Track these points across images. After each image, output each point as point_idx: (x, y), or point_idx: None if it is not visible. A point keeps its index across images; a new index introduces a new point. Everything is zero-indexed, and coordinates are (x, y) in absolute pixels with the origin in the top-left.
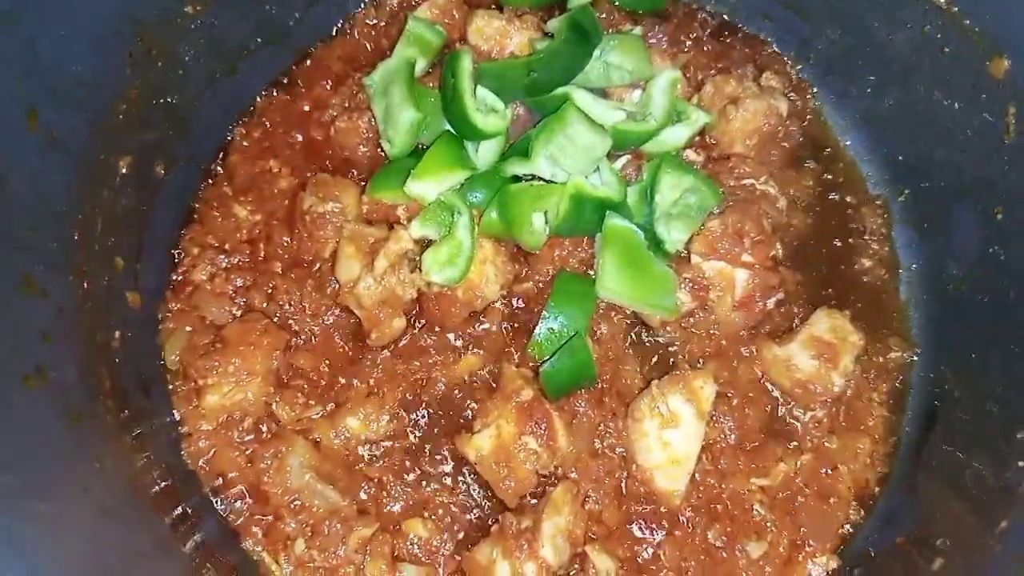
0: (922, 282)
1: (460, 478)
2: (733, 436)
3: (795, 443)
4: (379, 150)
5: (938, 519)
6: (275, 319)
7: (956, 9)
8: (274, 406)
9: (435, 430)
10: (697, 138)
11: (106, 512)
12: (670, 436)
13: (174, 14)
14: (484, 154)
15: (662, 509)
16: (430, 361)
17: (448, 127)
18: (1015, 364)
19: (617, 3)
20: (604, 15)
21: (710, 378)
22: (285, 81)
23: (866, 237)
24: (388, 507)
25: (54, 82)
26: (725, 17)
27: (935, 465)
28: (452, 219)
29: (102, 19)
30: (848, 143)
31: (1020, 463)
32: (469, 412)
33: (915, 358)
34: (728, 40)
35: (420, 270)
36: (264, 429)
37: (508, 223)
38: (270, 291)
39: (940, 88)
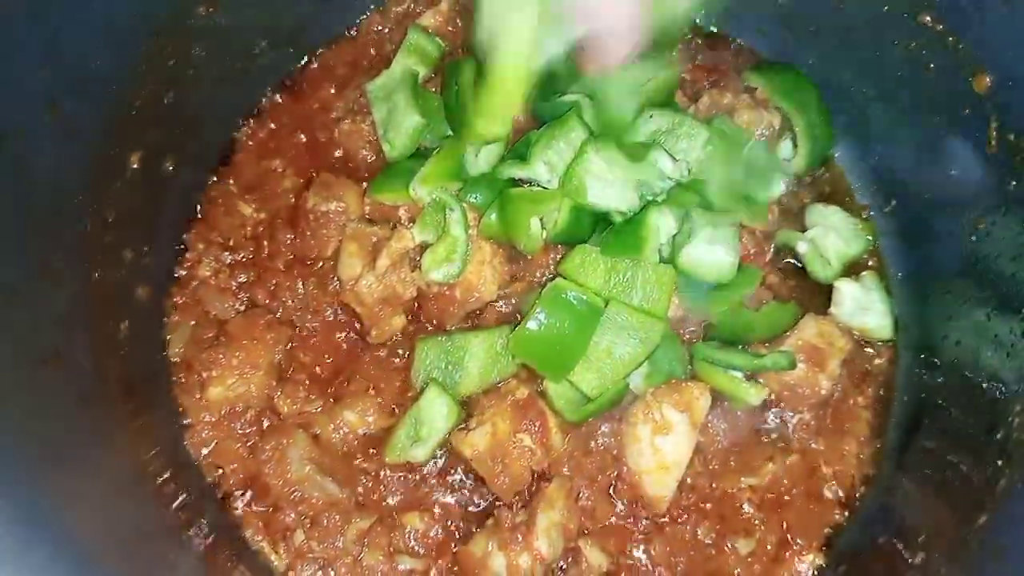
0: (909, 290)
1: (456, 473)
2: (726, 440)
3: (783, 444)
4: (381, 152)
5: (919, 517)
6: (277, 315)
7: (941, 27)
8: (276, 399)
9: None
10: None
11: (118, 493)
12: (661, 443)
13: (188, 14)
14: (484, 158)
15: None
16: None
17: (451, 132)
18: (994, 369)
19: None
20: None
21: (706, 389)
22: (291, 83)
23: None
24: (386, 500)
25: (74, 76)
26: (720, 31)
27: (918, 465)
28: (444, 217)
29: (121, 17)
30: (837, 154)
31: (999, 462)
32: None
33: (900, 362)
34: (723, 53)
35: (420, 269)
36: (265, 422)
37: (506, 226)
38: (273, 288)
39: (925, 102)
